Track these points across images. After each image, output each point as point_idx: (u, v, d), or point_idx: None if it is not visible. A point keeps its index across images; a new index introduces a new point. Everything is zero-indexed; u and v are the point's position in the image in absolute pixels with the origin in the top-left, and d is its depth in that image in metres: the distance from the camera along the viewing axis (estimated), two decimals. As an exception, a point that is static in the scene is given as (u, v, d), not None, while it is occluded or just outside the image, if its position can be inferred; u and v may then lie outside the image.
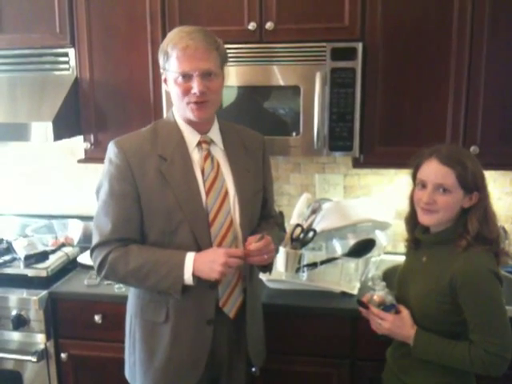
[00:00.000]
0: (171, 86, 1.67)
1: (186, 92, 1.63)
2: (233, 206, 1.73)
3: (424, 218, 1.67)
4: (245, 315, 1.79)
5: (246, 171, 1.78)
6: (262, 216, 1.88)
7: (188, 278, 1.60)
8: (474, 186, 1.61)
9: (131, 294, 1.83)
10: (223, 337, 1.78)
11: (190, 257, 1.61)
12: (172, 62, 1.62)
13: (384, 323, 1.68)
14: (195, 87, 1.61)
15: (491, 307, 1.56)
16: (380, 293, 1.73)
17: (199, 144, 1.72)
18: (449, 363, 1.62)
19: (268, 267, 1.82)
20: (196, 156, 1.72)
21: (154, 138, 1.70)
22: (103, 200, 1.67)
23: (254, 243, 1.65)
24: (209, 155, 1.73)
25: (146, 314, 1.75)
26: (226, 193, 1.72)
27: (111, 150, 1.68)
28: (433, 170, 1.63)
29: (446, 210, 1.63)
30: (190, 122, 1.71)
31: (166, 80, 1.70)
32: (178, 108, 1.71)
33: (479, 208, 1.62)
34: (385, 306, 1.70)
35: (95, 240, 1.68)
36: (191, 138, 1.72)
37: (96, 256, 1.68)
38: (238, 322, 1.79)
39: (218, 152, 1.76)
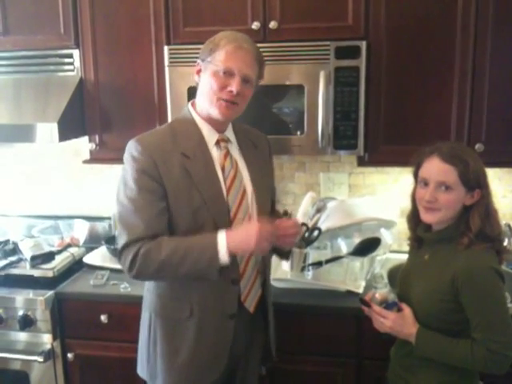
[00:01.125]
0: (206, 78, 1.67)
1: (223, 88, 1.64)
2: (251, 203, 1.75)
3: (426, 217, 1.67)
4: (265, 308, 1.85)
5: (259, 169, 1.82)
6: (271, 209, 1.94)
7: (223, 255, 1.58)
8: (476, 184, 1.60)
9: (150, 292, 1.81)
10: (241, 331, 1.81)
11: (222, 235, 1.60)
12: (219, 55, 1.64)
13: (386, 321, 1.68)
14: (234, 85, 1.63)
15: (493, 305, 1.56)
16: (382, 291, 1.73)
17: (217, 142, 1.74)
18: (451, 361, 1.61)
19: (287, 254, 1.91)
20: (215, 154, 1.73)
21: (173, 136, 1.70)
22: (130, 198, 1.63)
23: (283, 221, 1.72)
24: (228, 153, 1.75)
25: (168, 312, 1.76)
26: (245, 190, 1.75)
27: (133, 147, 1.66)
28: (434, 167, 1.62)
29: (448, 208, 1.62)
30: (209, 120, 1.72)
31: (199, 71, 1.70)
32: (203, 102, 1.70)
33: (481, 205, 1.61)
34: (387, 304, 1.70)
35: (124, 239, 1.63)
36: (210, 136, 1.73)
37: (126, 255, 1.63)
38: (255, 316, 1.83)
39: (235, 151, 1.79)
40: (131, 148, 1.67)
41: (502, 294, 1.58)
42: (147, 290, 1.84)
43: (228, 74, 1.64)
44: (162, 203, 1.64)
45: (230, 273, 1.69)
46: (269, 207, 1.86)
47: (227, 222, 1.69)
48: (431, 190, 1.62)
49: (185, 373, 1.76)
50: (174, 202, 1.65)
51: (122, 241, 1.65)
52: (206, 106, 1.70)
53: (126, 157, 1.68)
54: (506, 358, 1.55)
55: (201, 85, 1.70)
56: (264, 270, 1.84)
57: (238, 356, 1.86)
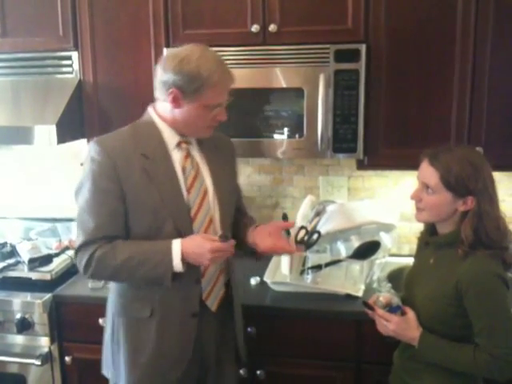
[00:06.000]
0: (192, 109, 1.67)
1: (215, 118, 1.70)
2: (212, 203, 1.78)
3: (415, 215, 1.72)
4: (231, 309, 1.85)
5: (221, 170, 1.84)
6: (240, 212, 1.96)
7: (177, 263, 1.63)
8: (465, 190, 1.58)
9: (113, 293, 1.84)
10: (210, 332, 1.82)
11: (177, 244, 1.64)
12: (211, 92, 1.64)
13: (389, 325, 1.67)
14: (223, 115, 1.72)
15: (496, 310, 1.55)
16: (386, 294, 1.73)
17: (179, 144, 1.76)
18: (453, 366, 1.61)
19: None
20: (176, 155, 1.75)
21: (134, 137, 1.72)
22: (86, 199, 1.68)
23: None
24: (189, 155, 1.77)
25: (130, 312, 1.77)
26: (206, 191, 1.77)
27: (93, 149, 1.68)
28: (422, 169, 1.67)
29: (431, 210, 1.65)
30: (175, 126, 1.73)
31: (176, 99, 1.65)
32: (183, 127, 1.72)
33: (475, 214, 1.59)
34: (390, 308, 1.70)
35: (80, 240, 1.68)
36: (171, 138, 1.75)
37: (81, 256, 1.67)
38: (224, 317, 1.85)
39: (196, 153, 1.80)
40: (91, 149, 1.69)
41: (506, 299, 1.56)
42: (110, 291, 1.86)
43: (218, 106, 1.69)
44: (117, 204, 1.67)
45: (193, 272, 1.70)
46: (231, 207, 1.87)
47: (188, 222, 1.71)
48: (416, 190, 1.69)
49: (147, 372, 1.77)
50: (134, 202, 1.68)
51: (78, 241, 1.69)
52: (187, 131, 1.74)
53: (86, 157, 1.71)
54: (508, 364, 1.54)
55: (182, 113, 1.68)
56: (228, 269, 1.86)
57: (209, 359, 1.85)
